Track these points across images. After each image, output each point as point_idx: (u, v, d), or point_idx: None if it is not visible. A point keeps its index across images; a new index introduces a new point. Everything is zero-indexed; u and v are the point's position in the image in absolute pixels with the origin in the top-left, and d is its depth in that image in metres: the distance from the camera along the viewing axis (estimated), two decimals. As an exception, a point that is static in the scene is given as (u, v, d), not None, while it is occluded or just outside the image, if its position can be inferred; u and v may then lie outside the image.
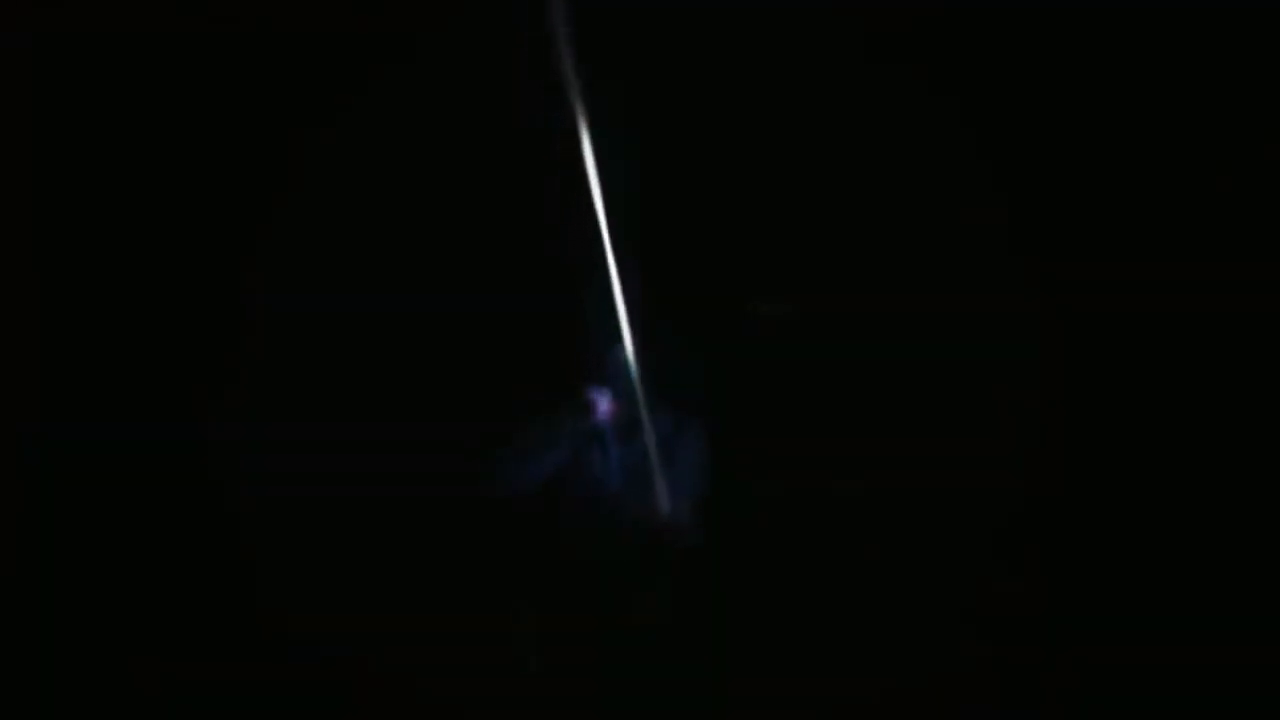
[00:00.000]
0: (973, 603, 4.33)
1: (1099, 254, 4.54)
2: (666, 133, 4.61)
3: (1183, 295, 4.43)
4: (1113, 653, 4.18)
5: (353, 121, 4.64)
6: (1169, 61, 4.48)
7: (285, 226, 4.65)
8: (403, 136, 4.69)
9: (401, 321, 4.69)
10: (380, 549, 4.55)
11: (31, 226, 4.54)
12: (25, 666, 4.27)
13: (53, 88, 4.52)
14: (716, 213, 4.74)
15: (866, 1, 4.54)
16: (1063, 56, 4.53)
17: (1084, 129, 4.57)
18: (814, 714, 4.17)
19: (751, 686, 4.21)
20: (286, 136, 4.63)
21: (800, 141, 4.69)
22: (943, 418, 4.57)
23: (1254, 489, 4.29)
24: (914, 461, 4.51)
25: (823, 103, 4.66)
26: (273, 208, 4.66)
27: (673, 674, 4.18)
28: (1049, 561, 4.38)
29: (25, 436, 4.47)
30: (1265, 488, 4.27)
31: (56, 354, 4.55)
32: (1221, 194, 4.45)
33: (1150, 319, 4.47)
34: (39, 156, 4.54)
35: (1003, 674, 4.22)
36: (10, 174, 4.52)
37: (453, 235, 4.72)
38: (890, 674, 4.22)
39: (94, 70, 4.52)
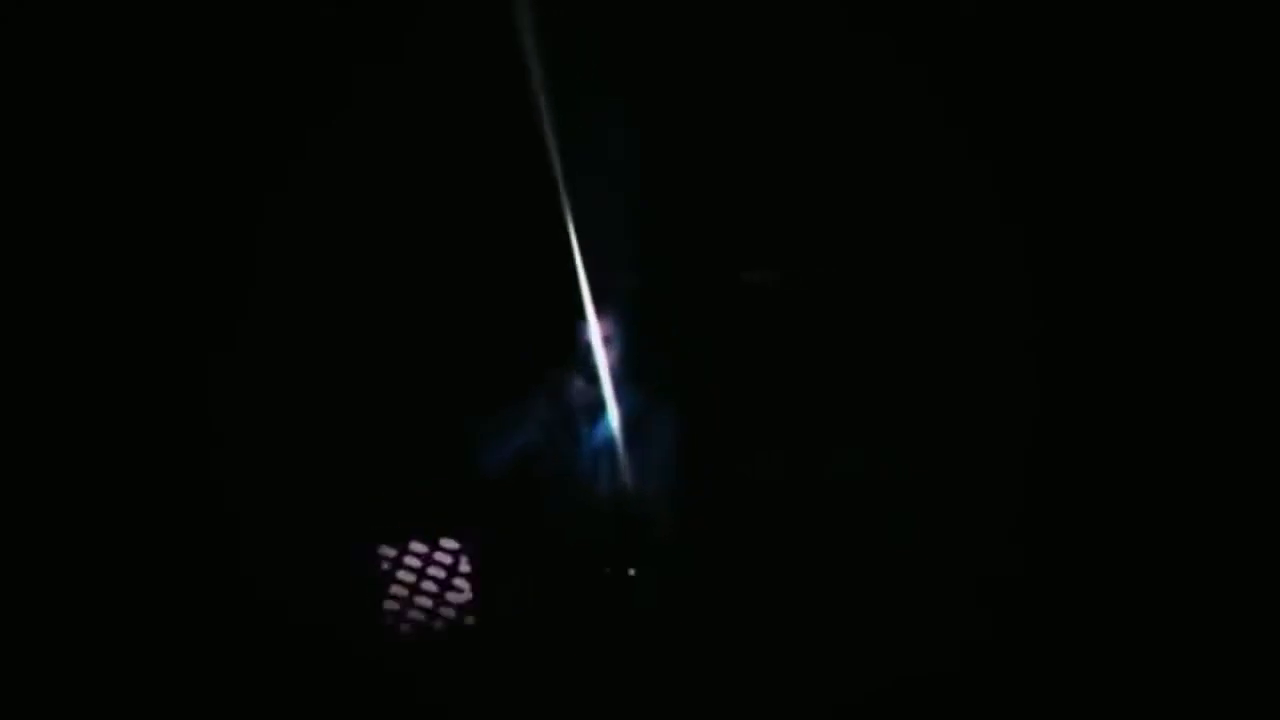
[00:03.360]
0: (970, 596, 4.33)
1: (1098, 253, 4.54)
2: (639, 114, 4.60)
3: (1182, 295, 4.44)
4: (1112, 652, 4.17)
5: (336, 121, 4.66)
6: (1169, 61, 4.48)
7: (275, 223, 4.68)
8: (379, 129, 4.70)
9: (377, 310, 4.71)
10: (371, 540, 4.57)
11: (31, 226, 4.58)
12: (25, 666, 4.28)
13: (53, 87, 4.55)
14: (694, 196, 4.74)
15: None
16: (1062, 52, 4.54)
17: (1083, 127, 4.57)
18: (813, 714, 4.17)
19: (740, 680, 4.21)
20: (277, 136, 4.66)
21: (790, 130, 4.70)
22: (940, 413, 4.58)
23: (1255, 488, 4.28)
24: (911, 456, 4.52)
25: (814, 92, 4.66)
26: (264, 206, 4.68)
27: (653, 661, 4.18)
28: (1049, 559, 4.37)
29: (25, 436, 4.50)
30: (1266, 487, 4.27)
31: (57, 353, 4.57)
32: (1220, 195, 4.46)
33: (1149, 319, 4.47)
34: (38, 156, 4.57)
35: (1003, 672, 4.20)
36: (10, 173, 4.55)
37: (421, 222, 4.73)
38: (890, 672, 4.21)
39: (93, 69, 4.55)
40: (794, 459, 4.61)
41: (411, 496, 4.61)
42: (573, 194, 4.39)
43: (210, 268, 4.68)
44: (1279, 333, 4.36)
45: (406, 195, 4.74)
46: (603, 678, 4.15)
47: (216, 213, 4.70)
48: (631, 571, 4.23)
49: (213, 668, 4.33)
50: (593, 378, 4.32)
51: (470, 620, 4.47)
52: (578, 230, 4.39)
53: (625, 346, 4.33)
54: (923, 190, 4.65)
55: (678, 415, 4.40)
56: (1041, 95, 4.59)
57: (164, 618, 4.40)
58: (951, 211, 4.63)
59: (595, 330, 4.29)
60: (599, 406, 4.30)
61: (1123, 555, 4.31)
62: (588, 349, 4.32)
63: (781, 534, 4.51)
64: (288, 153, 4.67)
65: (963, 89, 4.60)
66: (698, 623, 4.29)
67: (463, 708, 4.23)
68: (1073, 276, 4.54)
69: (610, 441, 4.26)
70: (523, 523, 4.41)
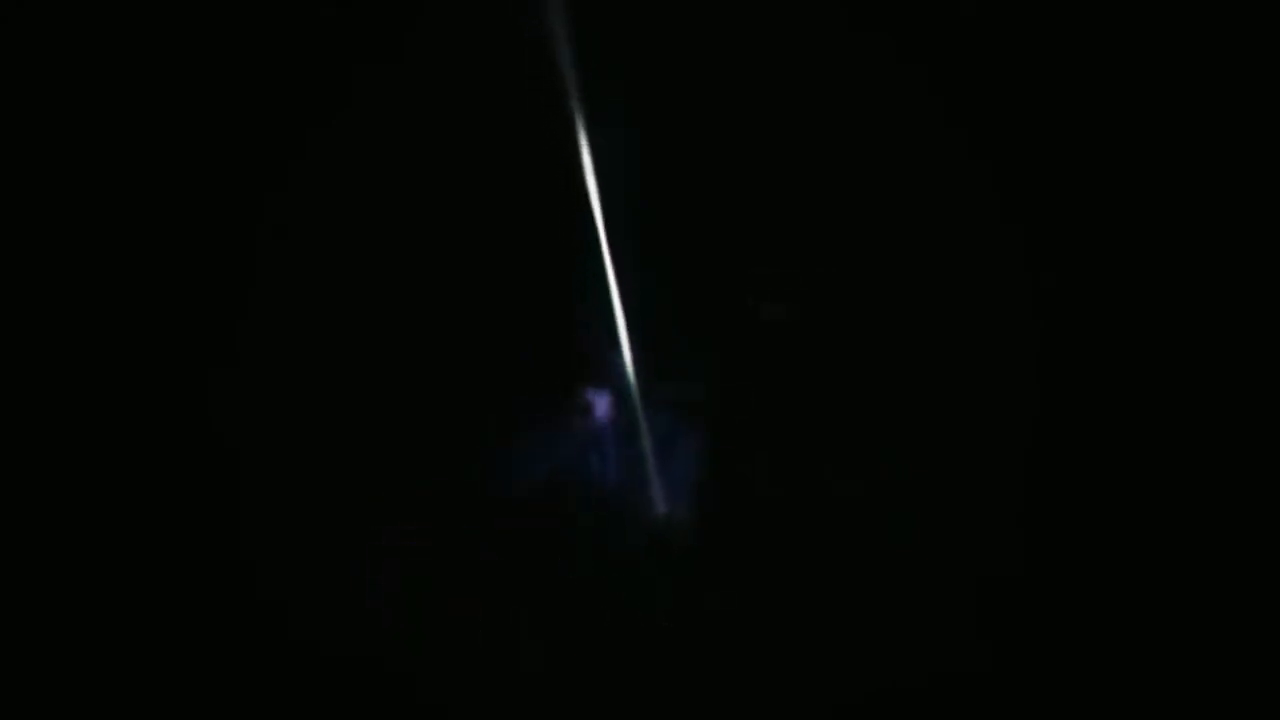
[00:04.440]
0: (972, 601, 4.33)
1: (1098, 253, 4.54)
2: (666, 134, 4.63)
3: (1182, 295, 4.44)
4: (1112, 651, 4.18)
5: (351, 122, 4.66)
6: (1168, 61, 4.48)
7: (285, 227, 4.68)
8: (400, 137, 4.71)
9: (402, 323, 4.72)
10: (382, 549, 4.57)
11: (32, 225, 4.57)
12: (25, 666, 4.28)
13: (53, 87, 4.55)
14: (714, 213, 4.75)
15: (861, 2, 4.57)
16: (1062, 52, 4.54)
17: (1083, 127, 4.57)
18: (814, 714, 4.18)
19: (751, 684, 4.22)
20: (286, 136, 4.66)
21: (799, 141, 4.71)
22: (940, 415, 4.59)
23: (1253, 487, 4.28)
24: (913, 459, 4.53)
25: (820, 102, 4.67)
26: (273, 208, 4.68)
27: (674, 671, 4.20)
28: (1049, 560, 4.37)
29: (26, 434, 4.50)
30: (1265, 486, 4.27)
31: (55, 353, 4.57)
32: (1220, 195, 4.46)
33: (1149, 320, 4.48)
34: (39, 157, 4.57)
35: (1003, 674, 4.21)
36: (10, 173, 4.55)
37: (452, 237, 4.74)
38: (890, 673, 4.22)
39: (94, 70, 4.55)
40: (796, 463, 4.62)
41: (414, 498, 4.62)
42: (575, 199, 4.41)
43: (211, 268, 4.69)
44: (1279, 333, 4.37)
45: (407, 197, 4.74)
46: (616, 681, 4.18)
47: (217, 212, 4.70)
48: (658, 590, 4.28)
49: (213, 667, 4.33)
50: (615, 393, 4.38)
51: (474, 626, 4.47)
52: (577, 235, 4.42)
53: (643, 359, 4.38)
54: (923, 191, 4.65)
55: (690, 424, 4.44)
56: (1041, 95, 4.59)
57: (166, 617, 4.41)
58: (951, 212, 4.63)
59: (618, 347, 4.34)
60: (628, 427, 4.35)
61: (1122, 557, 4.32)
62: (610, 365, 4.37)
63: (786, 537, 4.52)
64: (288, 153, 4.67)
65: (963, 89, 4.60)
66: (709, 626, 4.31)
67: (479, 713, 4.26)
68: (1072, 277, 4.54)
69: (638, 462, 4.32)
70: (546, 534, 4.45)
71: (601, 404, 4.41)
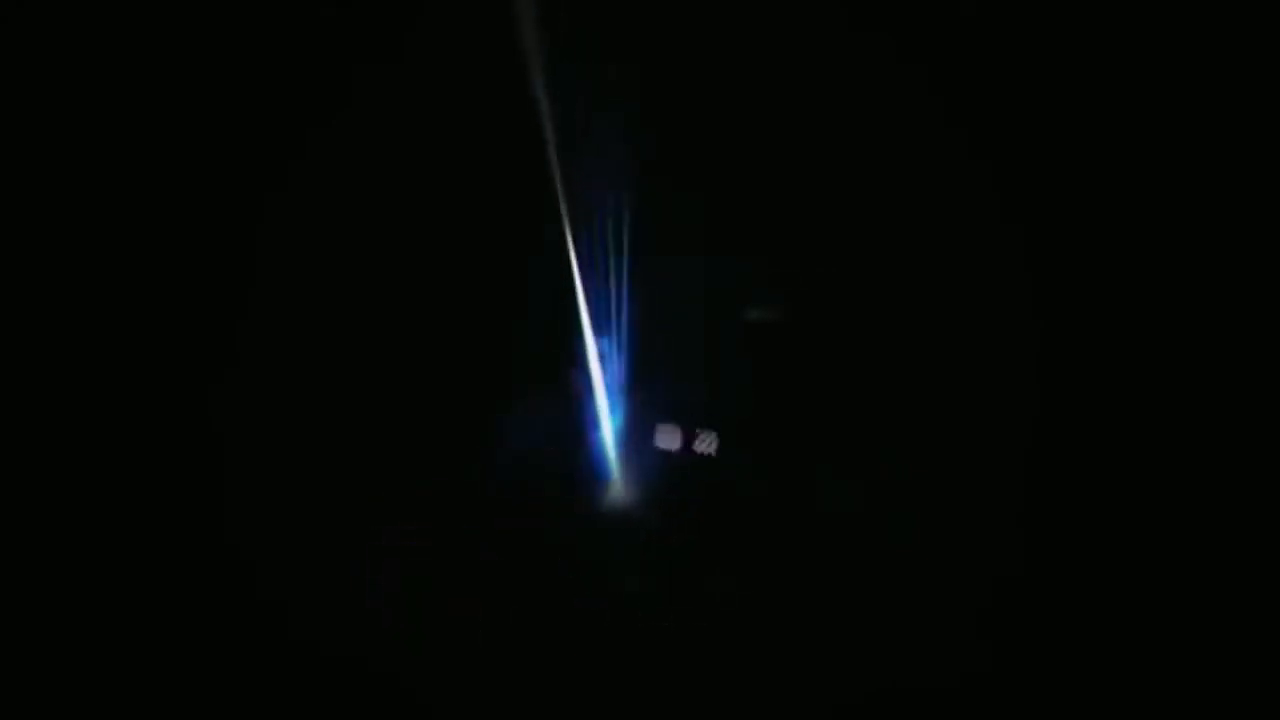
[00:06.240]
0: (972, 601, 4.34)
1: (1098, 253, 4.54)
2: (664, 133, 4.64)
3: (1182, 295, 4.44)
4: (1112, 651, 4.18)
5: (350, 122, 4.67)
6: (1168, 61, 4.48)
7: (284, 226, 4.69)
8: (399, 138, 4.72)
9: (401, 322, 4.74)
10: (382, 549, 4.59)
11: (32, 226, 4.58)
12: (25, 666, 4.28)
13: (53, 87, 4.55)
14: (712, 212, 4.76)
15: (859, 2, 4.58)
16: (1062, 52, 4.54)
17: (1083, 127, 4.57)
18: (814, 714, 4.18)
19: (751, 684, 4.22)
20: (277, 136, 4.67)
21: (798, 141, 4.71)
22: (940, 416, 4.59)
23: (1253, 488, 4.28)
24: (912, 460, 4.53)
25: (819, 101, 4.67)
26: (272, 208, 4.69)
27: (674, 672, 4.21)
28: (1049, 559, 4.38)
29: (27, 435, 4.50)
30: (1265, 487, 4.27)
31: (58, 353, 4.58)
32: (1220, 195, 4.45)
33: (1149, 319, 4.48)
34: (40, 157, 4.57)
35: (1003, 674, 4.21)
36: (10, 173, 4.55)
37: (450, 236, 4.76)
38: (890, 673, 4.23)
39: (94, 69, 4.56)
40: (795, 465, 4.63)
41: (414, 498, 4.64)
42: (572, 199, 4.43)
43: (211, 268, 4.69)
44: (1279, 333, 4.37)
45: (408, 198, 4.76)
46: (616, 681, 4.19)
47: (217, 212, 4.71)
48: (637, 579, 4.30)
49: (213, 667, 4.34)
50: (592, 383, 4.42)
51: (474, 626, 4.48)
52: (575, 235, 4.44)
53: (625, 353, 4.42)
54: (922, 190, 4.65)
55: (677, 419, 4.48)
56: (1041, 95, 4.59)
57: (165, 617, 4.41)
58: (951, 212, 4.63)
59: (596, 338, 4.38)
60: (599, 411, 4.39)
61: (1122, 557, 4.32)
62: (588, 355, 4.40)
63: (784, 538, 4.53)
64: (288, 153, 4.68)
65: (963, 89, 4.60)
66: (709, 626, 4.32)
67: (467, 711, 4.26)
68: (1072, 277, 4.54)
69: (611, 446, 4.36)
70: (524, 525, 4.48)
71: (582, 391, 4.47)
